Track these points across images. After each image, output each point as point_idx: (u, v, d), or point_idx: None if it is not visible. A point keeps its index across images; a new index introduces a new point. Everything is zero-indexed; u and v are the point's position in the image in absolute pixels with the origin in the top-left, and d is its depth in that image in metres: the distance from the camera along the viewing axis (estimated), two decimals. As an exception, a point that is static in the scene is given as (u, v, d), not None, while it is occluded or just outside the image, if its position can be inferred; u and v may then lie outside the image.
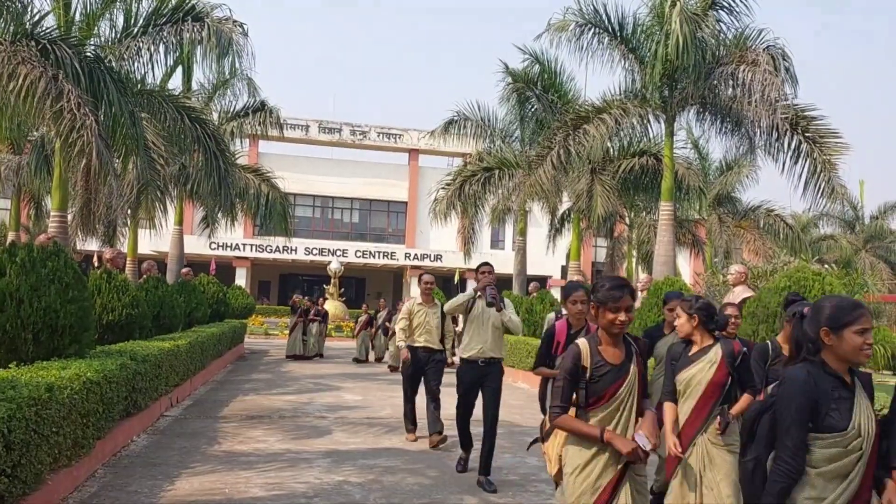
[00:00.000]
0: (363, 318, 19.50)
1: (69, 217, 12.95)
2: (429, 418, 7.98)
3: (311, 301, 20.55)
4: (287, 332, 20.11)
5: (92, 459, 6.09)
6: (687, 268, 35.62)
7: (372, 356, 19.23)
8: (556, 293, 29.85)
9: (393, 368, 16.31)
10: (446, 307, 6.99)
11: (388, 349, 18.31)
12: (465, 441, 7.10)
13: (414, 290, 37.88)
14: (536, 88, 20.17)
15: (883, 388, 12.37)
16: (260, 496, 5.70)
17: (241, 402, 10.76)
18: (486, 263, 6.83)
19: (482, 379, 6.68)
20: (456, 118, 22.43)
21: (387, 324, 18.19)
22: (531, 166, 17.08)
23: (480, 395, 6.73)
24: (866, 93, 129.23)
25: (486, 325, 6.64)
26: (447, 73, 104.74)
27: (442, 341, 8.20)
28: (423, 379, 8.13)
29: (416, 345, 8.03)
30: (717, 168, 27.36)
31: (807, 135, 13.70)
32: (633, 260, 28.99)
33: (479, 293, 6.58)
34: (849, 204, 30.74)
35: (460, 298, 6.77)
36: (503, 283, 35.83)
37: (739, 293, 10.85)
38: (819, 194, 13.61)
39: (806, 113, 13.83)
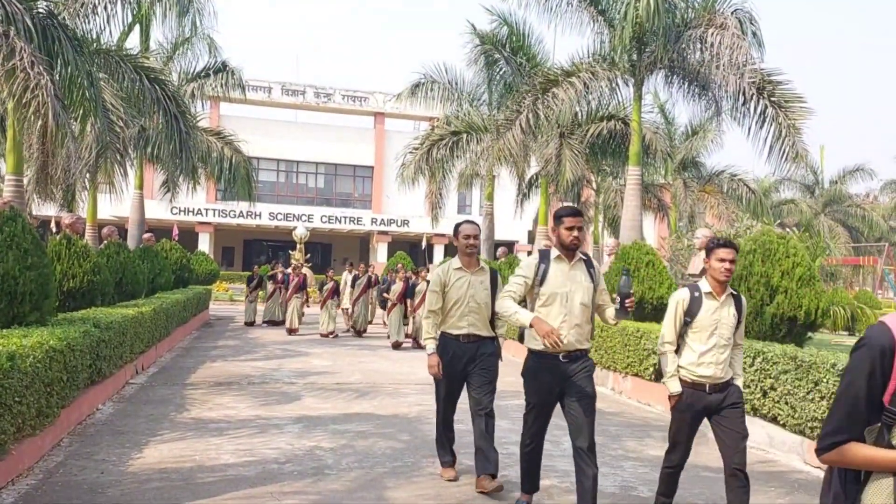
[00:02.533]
0: (329, 285, 17.09)
1: (24, 181, 12.53)
2: (477, 448, 5.25)
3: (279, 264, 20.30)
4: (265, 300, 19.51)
5: (57, 428, 5.96)
6: (652, 232, 36.02)
7: (333, 327, 16.51)
8: (524, 258, 29.97)
9: (413, 341, 14.82)
10: (498, 307, 4.59)
11: (367, 320, 17.28)
12: (533, 480, 4.85)
13: (381, 256, 37.76)
14: (505, 51, 19.96)
15: (840, 347, 12.73)
16: (231, 462, 5.65)
17: (208, 369, 10.64)
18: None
19: (564, 381, 4.45)
20: (423, 81, 22.13)
21: (385, 294, 15.85)
22: (499, 130, 16.97)
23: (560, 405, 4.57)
24: (825, 58, 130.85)
25: (571, 302, 4.45)
26: (414, 35, 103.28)
27: (492, 324, 5.33)
28: (466, 385, 5.32)
29: (456, 331, 5.23)
30: (682, 133, 27.57)
31: (772, 99, 13.79)
32: (600, 225, 29.21)
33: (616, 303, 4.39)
34: (809, 169, 31.22)
35: (518, 319, 4.31)
36: (470, 247, 36.04)
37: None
38: (783, 158, 13.76)
39: (772, 77, 13.91)
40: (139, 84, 13.04)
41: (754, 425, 6.93)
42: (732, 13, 13.81)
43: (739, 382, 4.42)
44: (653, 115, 23.39)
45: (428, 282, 15.08)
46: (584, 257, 4.62)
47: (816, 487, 5.60)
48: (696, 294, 4.36)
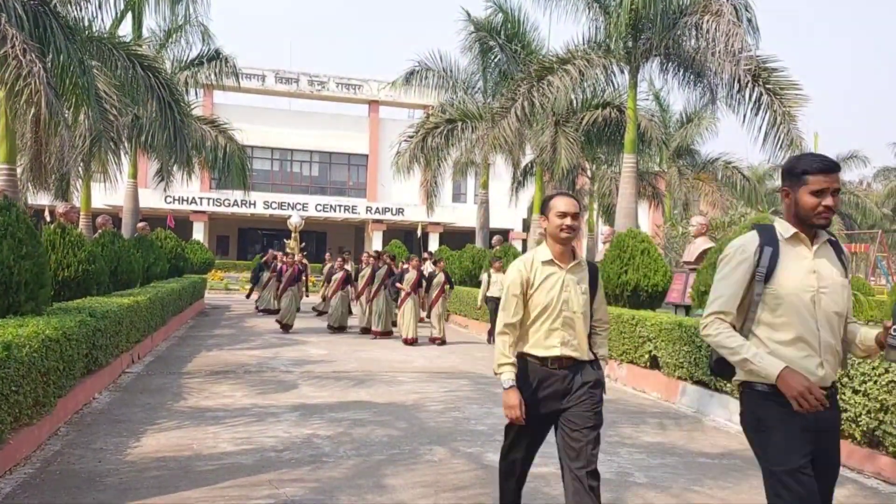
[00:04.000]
0: (339, 275, 15.39)
1: (18, 170, 12.46)
2: None
3: (279, 254, 20.08)
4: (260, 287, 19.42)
5: (54, 418, 5.96)
6: (646, 220, 36.07)
7: (351, 320, 15.54)
8: (519, 246, 30.00)
9: (435, 340, 13.43)
10: (710, 331, 2.91)
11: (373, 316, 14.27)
12: None
13: (376, 244, 37.71)
14: (500, 38, 19.90)
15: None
16: (229, 451, 5.66)
17: (204, 358, 10.64)
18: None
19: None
20: (417, 68, 22.05)
21: (397, 285, 13.77)
22: (494, 118, 16.94)
23: None
24: (820, 46, 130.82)
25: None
26: (408, 22, 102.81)
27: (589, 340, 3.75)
28: (556, 428, 3.72)
29: (543, 353, 3.64)
30: (677, 120, 27.60)
31: (768, 86, 13.80)
32: (595, 213, 29.23)
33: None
34: (803, 156, 31.24)
35: (750, 362, 2.78)
36: (466, 236, 35.98)
37: (700, 244, 11.03)
38: (778, 146, 13.79)
39: (767, 65, 13.91)
40: (132, 72, 12.96)
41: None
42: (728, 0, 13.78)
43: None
44: (648, 102, 23.41)
45: (421, 271, 13.95)
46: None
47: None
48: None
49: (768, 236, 2.91)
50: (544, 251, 3.71)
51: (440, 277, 13.90)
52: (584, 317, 3.67)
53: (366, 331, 14.53)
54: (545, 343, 3.63)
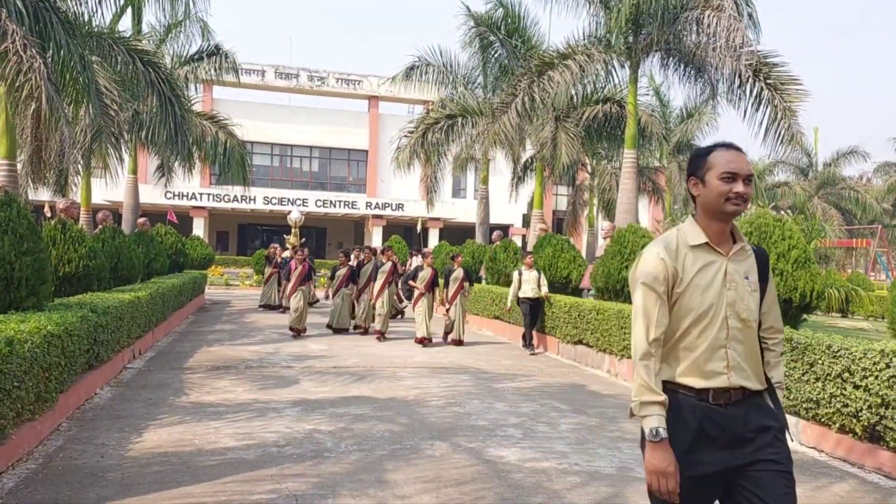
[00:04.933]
0: (342, 271, 14.22)
1: (18, 166, 12.45)
2: None
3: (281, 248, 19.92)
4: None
5: (56, 413, 5.97)
6: (646, 215, 36.08)
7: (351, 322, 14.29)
8: (518, 241, 30.02)
9: (457, 341, 12.66)
10: None
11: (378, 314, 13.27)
12: None
13: (376, 240, 37.70)
14: (500, 33, 19.88)
15: (835, 329, 12.79)
16: (231, 446, 5.67)
17: (205, 353, 10.65)
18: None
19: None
20: (417, 64, 22.04)
21: (410, 283, 13.13)
22: (495, 114, 16.93)
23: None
24: (819, 40, 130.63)
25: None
26: (408, 17, 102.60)
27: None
28: (729, 494, 2.49)
29: (701, 383, 2.48)
30: (677, 115, 27.59)
31: (768, 81, 13.78)
32: (595, 208, 29.23)
33: None
34: (804, 151, 31.32)
35: None
36: (466, 231, 35.90)
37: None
38: (779, 141, 13.78)
39: (768, 60, 13.89)
40: (132, 67, 12.94)
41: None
42: (729, -6, 13.75)
43: None
44: (648, 97, 23.43)
45: (436, 269, 13.40)
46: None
47: (811, 468, 5.67)
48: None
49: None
50: (694, 231, 2.56)
51: (458, 272, 12.99)
52: (755, 326, 2.58)
53: (358, 328, 13.93)
54: (705, 368, 2.47)
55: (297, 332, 13.13)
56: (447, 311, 12.94)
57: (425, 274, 12.91)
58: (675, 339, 2.51)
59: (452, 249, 20.05)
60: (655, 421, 2.39)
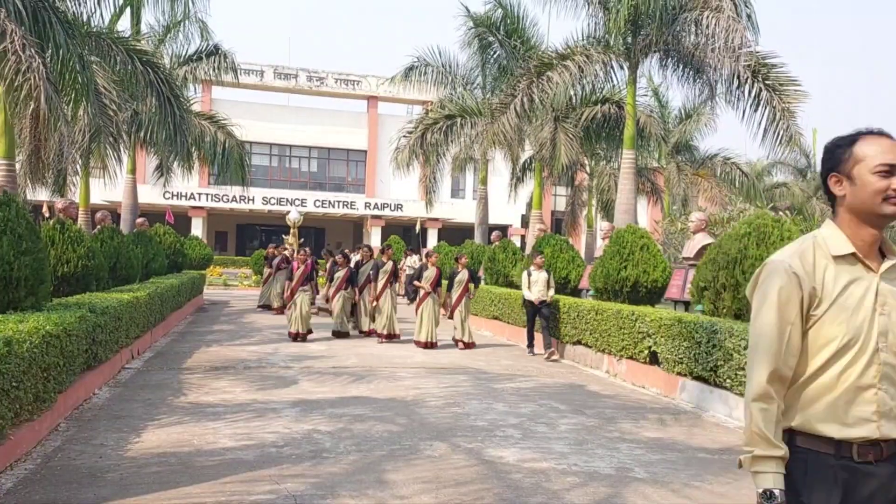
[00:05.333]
0: (342, 272, 13.55)
1: (17, 166, 12.44)
2: None
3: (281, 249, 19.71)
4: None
5: (54, 413, 5.96)
6: (645, 216, 36.08)
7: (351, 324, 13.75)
8: (517, 242, 30.03)
9: (470, 344, 12.25)
10: None
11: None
12: None
13: (374, 240, 37.73)
14: (499, 33, 19.91)
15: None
16: (229, 446, 5.67)
17: (204, 354, 10.64)
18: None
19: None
20: (416, 64, 22.07)
21: (416, 283, 12.85)
22: (494, 114, 16.93)
23: None
24: (818, 40, 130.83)
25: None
26: (407, 17, 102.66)
27: None
28: None
29: (843, 432, 1.95)
30: (676, 116, 27.61)
31: (767, 82, 13.80)
32: (593, 208, 29.24)
33: None
34: (802, 152, 31.36)
35: None
36: (465, 231, 35.89)
37: (699, 240, 11.04)
38: (777, 142, 13.80)
39: (767, 61, 13.91)
40: (131, 67, 12.92)
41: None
42: (727, -5, 13.77)
43: None
44: (647, 98, 23.44)
45: (440, 269, 12.92)
46: None
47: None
48: None
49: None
50: (838, 238, 2.06)
51: (463, 274, 12.51)
52: None
53: (360, 331, 13.47)
54: (847, 414, 1.97)
55: (297, 336, 12.40)
56: (450, 315, 12.47)
57: (430, 273, 12.53)
58: (808, 377, 2.00)
59: (452, 249, 20.02)
60: (770, 480, 1.94)
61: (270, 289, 18.41)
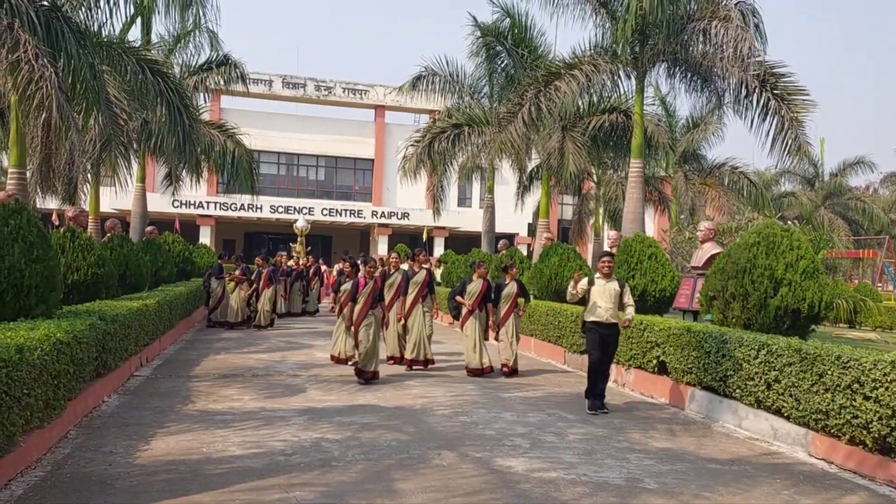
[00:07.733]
0: (348, 286, 9.81)
1: (28, 174, 12.52)
2: None
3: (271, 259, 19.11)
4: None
5: (64, 421, 5.98)
6: (652, 225, 36.00)
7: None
8: (524, 250, 29.91)
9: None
10: None
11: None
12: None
13: (382, 249, 37.77)
14: (507, 43, 19.96)
15: (842, 340, 12.69)
16: (238, 454, 5.67)
17: (212, 361, 10.66)
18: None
19: None
20: (424, 73, 22.12)
21: (457, 298, 10.48)
22: (501, 123, 16.96)
23: None
24: (825, 50, 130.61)
25: None
26: (415, 27, 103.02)
27: None
28: None
29: None
30: (683, 125, 27.58)
31: (775, 92, 13.79)
32: (601, 217, 29.19)
33: None
34: (810, 162, 31.25)
35: None
36: (472, 240, 35.92)
37: (708, 249, 11.01)
38: (786, 151, 13.77)
39: (775, 70, 13.89)
40: (142, 77, 13.01)
41: (758, 417, 6.96)
42: (735, 5, 13.79)
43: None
44: (654, 107, 23.47)
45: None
46: None
47: (821, 479, 5.63)
48: None
49: None
50: None
51: (511, 287, 10.35)
52: None
53: (391, 358, 11.09)
54: None
55: (367, 375, 9.30)
56: (496, 335, 10.42)
57: (475, 287, 10.31)
58: None
59: (459, 258, 19.95)
60: None
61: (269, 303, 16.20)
